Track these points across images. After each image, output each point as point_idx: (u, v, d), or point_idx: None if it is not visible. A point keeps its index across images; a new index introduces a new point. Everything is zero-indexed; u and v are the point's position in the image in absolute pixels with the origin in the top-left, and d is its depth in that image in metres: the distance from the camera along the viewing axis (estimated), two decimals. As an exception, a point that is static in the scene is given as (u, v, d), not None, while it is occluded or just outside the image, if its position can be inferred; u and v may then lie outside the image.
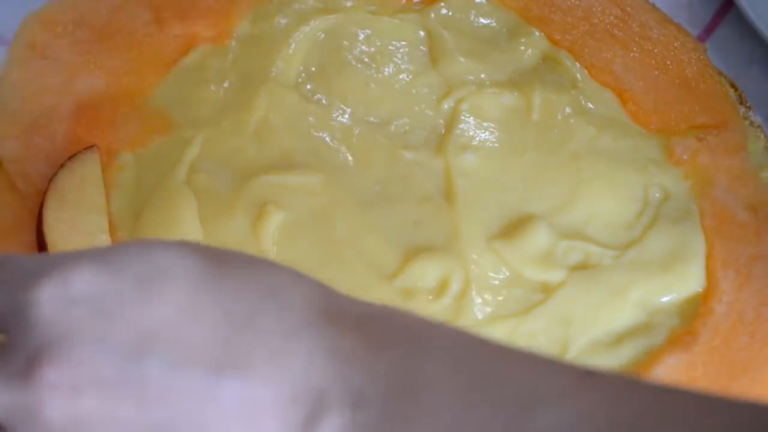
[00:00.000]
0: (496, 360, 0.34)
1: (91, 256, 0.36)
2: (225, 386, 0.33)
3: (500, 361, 0.34)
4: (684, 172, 0.63)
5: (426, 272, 0.59)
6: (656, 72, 0.66)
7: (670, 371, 0.55)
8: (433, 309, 0.58)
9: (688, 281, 0.59)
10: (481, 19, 0.68)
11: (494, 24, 0.68)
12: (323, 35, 0.66)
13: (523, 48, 0.67)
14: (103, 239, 0.57)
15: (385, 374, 0.33)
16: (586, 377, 0.32)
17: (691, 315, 0.58)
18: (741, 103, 0.68)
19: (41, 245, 0.55)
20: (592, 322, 0.58)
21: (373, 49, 0.66)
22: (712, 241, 0.60)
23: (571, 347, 0.57)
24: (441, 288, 0.58)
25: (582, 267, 0.59)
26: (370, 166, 0.62)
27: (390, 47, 0.66)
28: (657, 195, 0.62)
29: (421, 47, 0.66)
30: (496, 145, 0.63)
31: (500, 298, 0.58)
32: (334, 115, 0.63)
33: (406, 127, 0.64)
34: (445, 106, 0.64)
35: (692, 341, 0.56)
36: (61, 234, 0.55)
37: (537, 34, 0.67)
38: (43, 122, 0.60)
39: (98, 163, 0.58)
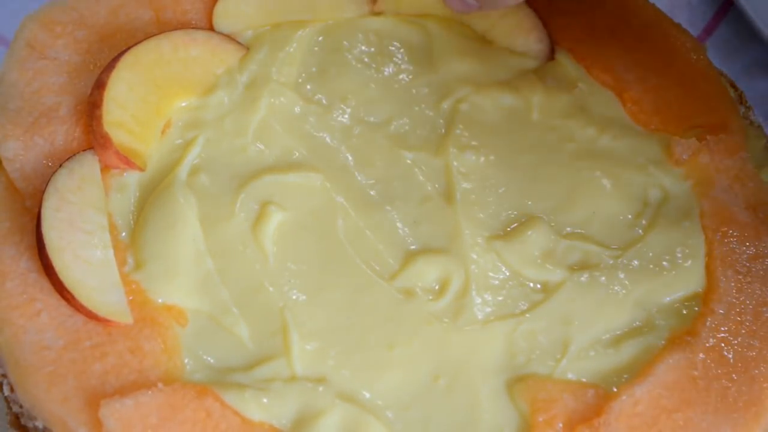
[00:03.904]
0: None
1: None
2: None
3: None
4: (684, 172, 0.63)
5: (426, 272, 0.59)
6: (656, 72, 0.66)
7: (670, 371, 0.55)
8: (433, 309, 0.58)
9: (688, 281, 0.59)
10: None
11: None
12: (323, 36, 0.66)
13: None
14: (103, 238, 0.57)
15: None
16: None
17: (691, 315, 0.58)
18: (741, 103, 0.68)
19: (40, 245, 0.55)
20: (592, 322, 0.58)
21: (373, 49, 0.66)
22: (712, 241, 0.60)
23: (571, 347, 0.57)
24: (441, 288, 0.58)
25: (582, 267, 0.59)
26: (370, 166, 0.62)
27: (390, 47, 0.66)
28: (657, 195, 0.62)
29: (421, 47, 0.66)
30: (496, 145, 0.63)
31: (500, 298, 0.58)
32: (334, 115, 0.64)
33: (406, 127, 0.64)
34: (445, 106, 0.64)
35: (692, 341, 0.56)
36: (60, 233, 0.55)
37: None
38: (43, 122, 0.60)
39: (97, 164, 0.58)
